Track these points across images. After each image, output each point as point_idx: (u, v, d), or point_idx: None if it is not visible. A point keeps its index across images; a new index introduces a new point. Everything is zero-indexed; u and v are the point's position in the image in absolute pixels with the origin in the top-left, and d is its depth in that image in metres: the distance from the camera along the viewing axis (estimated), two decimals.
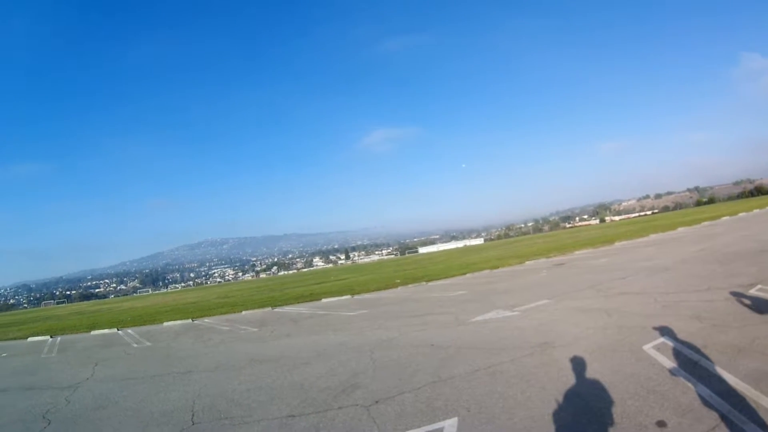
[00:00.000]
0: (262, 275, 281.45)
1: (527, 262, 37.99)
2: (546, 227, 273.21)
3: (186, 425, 8.67)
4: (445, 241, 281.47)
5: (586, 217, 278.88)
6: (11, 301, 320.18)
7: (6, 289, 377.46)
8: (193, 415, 9.22)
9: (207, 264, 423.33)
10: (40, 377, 17.09)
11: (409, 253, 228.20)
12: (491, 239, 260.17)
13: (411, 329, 15.09)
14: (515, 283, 25.10)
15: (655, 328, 10.22)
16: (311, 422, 7.66)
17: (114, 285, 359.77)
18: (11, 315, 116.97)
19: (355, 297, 29.68)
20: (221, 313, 31.22)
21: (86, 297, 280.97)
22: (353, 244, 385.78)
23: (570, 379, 7.92)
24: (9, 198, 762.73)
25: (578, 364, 8.46)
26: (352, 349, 13.09)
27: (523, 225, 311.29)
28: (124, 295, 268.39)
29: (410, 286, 32.06)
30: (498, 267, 37.33)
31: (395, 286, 33.08)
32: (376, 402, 8.16)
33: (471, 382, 8.59)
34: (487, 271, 35.54)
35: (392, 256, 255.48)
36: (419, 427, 6.87)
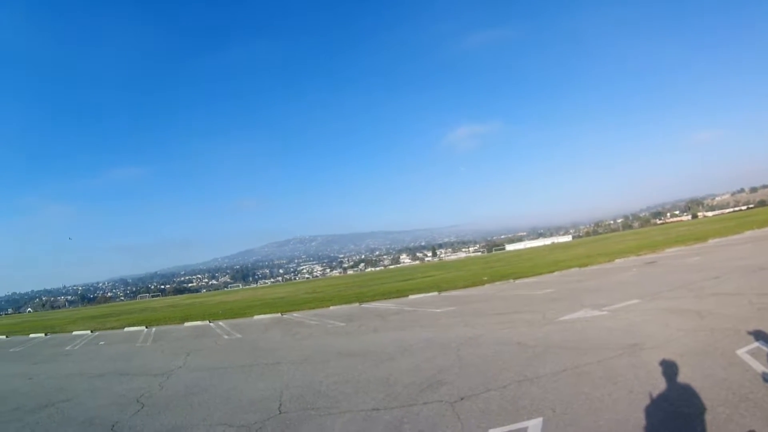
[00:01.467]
0: (350, 272, 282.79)
1: (617, 260, 37.20)
2: (636, 224, 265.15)
3: (273, 413, 8.92)
4: (533, 239, 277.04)
5: (677, 212, 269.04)
6: (109, 294, 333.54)
7: (104, 283, 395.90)
8: (280, 404, 9.49)
9: (295, 260, 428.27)
10: (135, 364, 17.92)
11: (496, 250, 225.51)
12: (579, 236, 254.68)
13: (498, 327, 15.03)
14: (604, 281, 24.65)
15: (750, 332, 9.87)
16: (395, 416, 7.74)
17: (206, 280, 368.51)
18: (109, 307, 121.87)
19: (442, 294, 29.63)
20: (309, 308, 31.60)
21: (179, 291, 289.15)
22: (440, 242, 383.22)
23: (659, 383, 7.74)
24: (110, 199, 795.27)
25: (668, 368, 8.25)
26: (438, 346, 13.13)
27: (612, 221, 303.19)
28: (215, 289, 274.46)
29: (497, 283, 31.80)
30: (586, 265, 36.67)
31: (482, 283, 32.86)
32: (461, 399, 8.16)
33: (557, 382, 8.51)
34: (575, 269, 35.00)
35: (479, 253, 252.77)
36: (503, 425, 6.83)
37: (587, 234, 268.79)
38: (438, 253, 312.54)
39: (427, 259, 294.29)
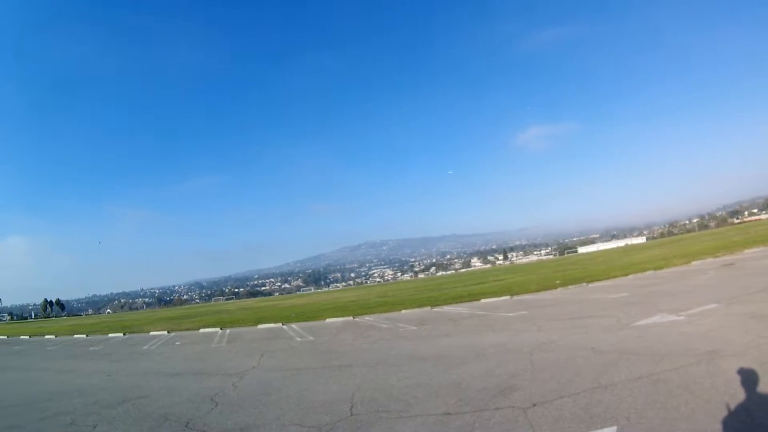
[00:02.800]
0: (421, 275, 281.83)
1: (693, 263, 36.11)
2: (712, 223, 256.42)
3: (345, 416, 8.97)
4: (605, 240, 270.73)
5: (755, 211, 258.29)
6: (185, 296, 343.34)
7: (180, 286, 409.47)
8: (352, 406, 9.54)
9: (367, 264, 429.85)
10: (210, 364, 18.37)
11: (568, 253, 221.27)
12: (653, 237, 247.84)
13: (571, 332, 14.81)
14: (680, 285, 24.00)
15: None
16: (467, 421, 7.68)
17: (279, 283, 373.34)
18: (185, 309, 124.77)
19: (514, 298, 29.31)
20: (381, 312, 31.70)
21: (253, 294, 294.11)
22: (511, 245, 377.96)
23: (738, 393, 7.48)
24: (187, 206, 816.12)
25: (748, 377, 7.94)
26: (510, 351, 13.01)
27: (687, 221, 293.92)
28: (288, 293, 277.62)
29: (570, 287, 31.30)
30: (662, 267, 35.74)
31: (555, 287, 32.38)
32: (534, 405, 8.04)
33: (632, 390, 8.31)
34: (650, 272, 34.14)
35: (551, 256, 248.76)
36: None
37: (662, 235, 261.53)
38: (509, 256, 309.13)
39: (498, 262, 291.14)
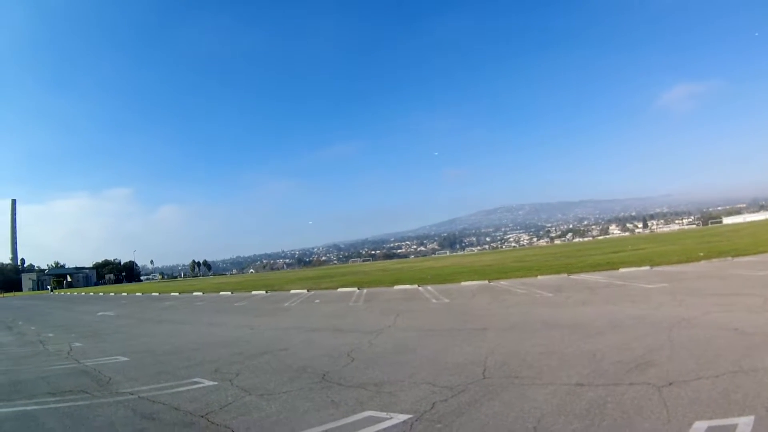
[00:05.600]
0: (557, 241, 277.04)
1: None
2: None
3: (477, 378, 9.05)
4: (753, 211, 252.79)
5: None
6: (323, 257, 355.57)
7: (319, 248, 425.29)
8: (484, 369, 9.61)
9: (502, 229, 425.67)
10: (347, 322, 19.07)
11: (712, 223, 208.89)
12: None
13: (714, 309, 14.10)
14: None
15: None
16: (599, 394, 7.50)
17: (414, 246, 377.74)
18: (323, 269, 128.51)
19: (654, 269, 28.24)
20: (516, 277, 31.60)
21: (389, 256, 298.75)
22: (651, 212, 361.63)
23: None
24: (326, 172, 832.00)
25: None
26: (648, 324, 12.62)
27: None
28: (423, 255, 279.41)
29: (714, 260, 29.66)
30: None
31: (698, 259, 30.85)
32: (670, 384, 7.67)
33: None
34: None
35: (693, 226, 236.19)
36: (711, 419, 6.24)
37: None
38: (649, 224, 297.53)
39: (637, 230, 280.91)
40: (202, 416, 8.32)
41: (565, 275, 29.53)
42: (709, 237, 61.98)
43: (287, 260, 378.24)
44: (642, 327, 12.35)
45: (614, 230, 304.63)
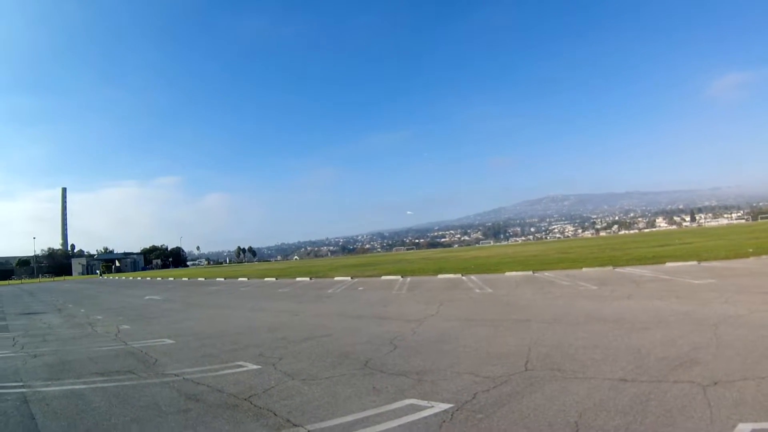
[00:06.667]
0: (602, 233, 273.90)
1: None
2: None
3: (519, 370, 9.02)
4: None
5: None
6: (367, 245, 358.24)
7: (363, 236, 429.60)
8: (527, 361, 9.58)
9: (547, 219, 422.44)
10: (390, 309, 19.17)
11: (762, 218, 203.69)
12: None
13: (762, 307, 13.73)
14: None
15: None
16: (642, 390, 7.38)
17: (458, 236, 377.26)
18: (367, 257, 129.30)
19: (702, 264, 27.64)
20: (561, 268, 31.42)
21: (432, 245, 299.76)
22: (699, 205, 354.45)
23: None
24: (370, 160, 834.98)
25: None
26: (694, 321, 12.39)
27: None
28: (467, 245, 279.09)
29: (764, 257, 28.84)
30: None
31: (747, 255, 30.12)
32: (715, 383, 7.47)
33: None
34: None
35: (742, 221, 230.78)
36: (756, 422, 6.04)
37: None
38: (696, 218, 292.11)
39: (684, 224, 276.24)
40: (245, 399, 8.47)
41: (610, 268, 29.21)
42: (758, 233, 60.55)
43: (331, 248, 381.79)
44: (688, 324, 12.13)
45: (661, 223, 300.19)
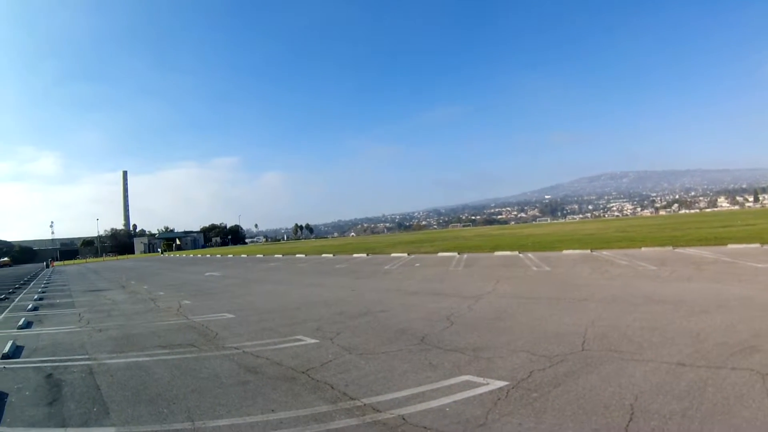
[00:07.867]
0: (662, 212, 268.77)
1: None
2: None
3: (576, 350, 9.02)
4: None
5: None
6: (423, 222, 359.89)
7: (419, 212, 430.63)
8: (584, 341, 9.56)
9: (605, 197, 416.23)
10: (447, 286, 19.29)
11: None
12: None
13: None
14: None
15: None
16: (700, 376, 7.23)
17: (515, 213, 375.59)
18: (423, 234, 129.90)
19: (765, 247, 26.70)
20: (619, 247, 30.95)
21: (489, 222, 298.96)
22: (764, 185, 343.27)
23: None
24: (427, 137, 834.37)
25: None
26: (756, 306, 12.02)
27: None
28: (524, 222, 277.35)
29: None
30: None
31: None
32: None
33: None
34: None
35: None
36: None
37: None
38: (760, 198, 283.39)
39: (747, 204, 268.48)
40: (303, 372, 8.67)
41: (669, 248, 28.58)
42: None
43: (387, 224, 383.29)
44: (749, 309, 11.79)
45: (723, 203, 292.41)
